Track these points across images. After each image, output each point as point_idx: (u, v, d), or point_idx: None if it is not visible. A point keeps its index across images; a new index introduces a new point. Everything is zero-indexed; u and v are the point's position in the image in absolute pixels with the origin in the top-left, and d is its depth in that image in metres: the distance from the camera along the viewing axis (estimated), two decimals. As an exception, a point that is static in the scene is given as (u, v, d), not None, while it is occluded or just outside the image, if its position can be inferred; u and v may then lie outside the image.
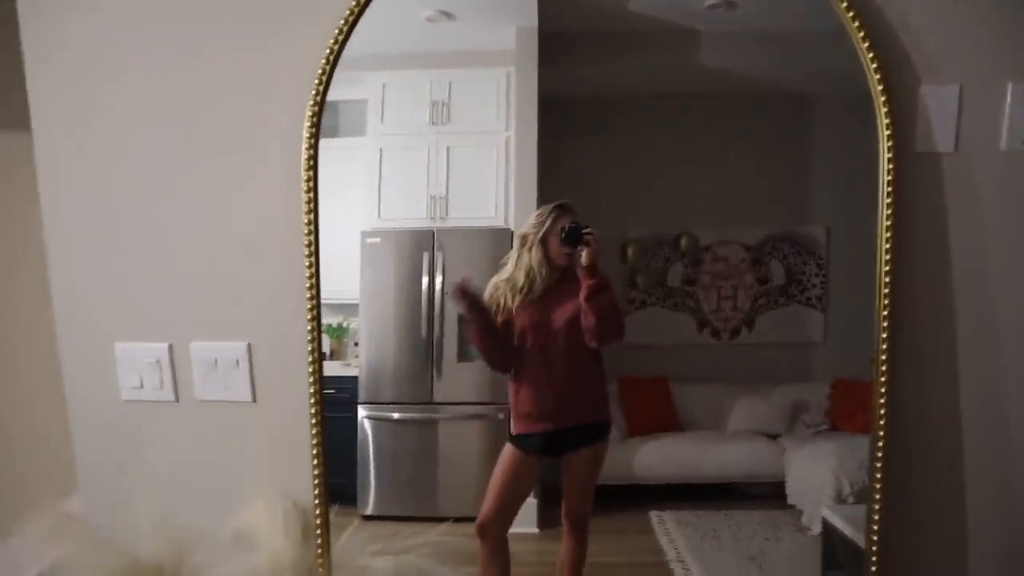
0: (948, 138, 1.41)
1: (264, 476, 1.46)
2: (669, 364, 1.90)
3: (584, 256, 1.56)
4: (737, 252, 1.90)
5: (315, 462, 1.42)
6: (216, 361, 1.53)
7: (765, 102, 1.87)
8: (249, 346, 1.52)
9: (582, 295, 1.57)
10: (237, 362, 1.52)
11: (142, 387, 1.55)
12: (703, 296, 1.90)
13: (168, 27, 1.50)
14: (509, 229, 1.68)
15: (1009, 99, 1.40)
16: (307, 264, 1.42)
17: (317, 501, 1.42)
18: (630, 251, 1.88)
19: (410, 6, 1.69)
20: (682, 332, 1.91)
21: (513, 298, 1.58)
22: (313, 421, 1.43)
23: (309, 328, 1.43)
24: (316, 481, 1.42)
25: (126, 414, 1.57)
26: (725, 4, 1.69)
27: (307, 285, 1.43)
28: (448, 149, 1.77)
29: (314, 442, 1.43)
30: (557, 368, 1.59)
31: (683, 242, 1.89)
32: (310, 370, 1.43)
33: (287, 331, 1.46)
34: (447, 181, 1.76)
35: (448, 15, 1.70)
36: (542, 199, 1.67)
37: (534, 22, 1.72)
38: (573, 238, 1.56)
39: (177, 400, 1.56)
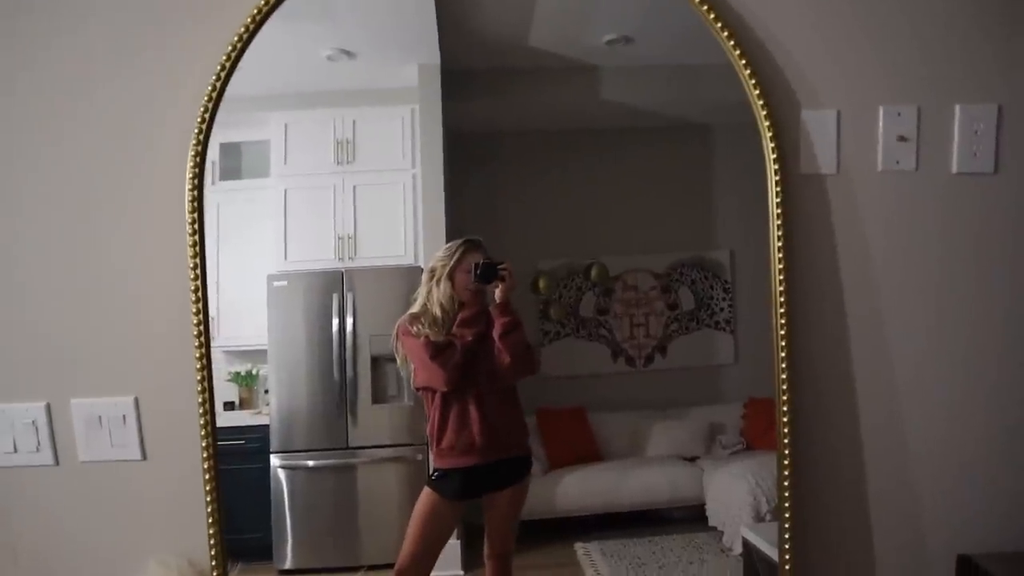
0: (830, 160, 1.49)
1: (158, 537, 1.38)
2: (586, 394, 1.91)
3: (498, 293, 1.55)
4: (647, 280, 1.93)
5: (211, 519, 1.35)
6: (100, 418, 1.45)
7: (667, 132, 1.93)
8: (136, 400, 1.45)
9: (496, 332, 1.56)
10: (124, 418, 1.44)
11: (16, 451, 1.45)
12: (616, 325, 1.93)
13: (50, 65, 1.45)
14: (419, 267, 1.67)
15: (881, 122, 1.49)
16: (194, 311, 1.37)
17: (214, 562, 1.35)
18: (542, 283, 1.89)
19: (309, 45, 1.69)
20: (597, 361, 1.93)
21: (437, 332, 1.55)
22: (207, 476, 1.37)
23: (199, 378, 1.38)
24: (212, 540, 1.36)
25: (-1, 481, 1.48)
26: (623, 40, 1.74)
27: (195, 333, 1.38)
28: (355, 188, 1.75)
29: (209, 498, 1.37)
30: (480, 402, 1.56)
31: (594, 272, 1.91)
32: (202, 422, 1.37)
33: (177, 382, 1.41)
34: (355, 221, 1.74)
35: (348, 54, 1.70)
36: (451, 235, 1.67)
37: (436, 59, 1.73)
38: (488, 275, 1.55)
39: (57, 463, 1.47)
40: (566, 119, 1.92)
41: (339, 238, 1.73)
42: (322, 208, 1.76)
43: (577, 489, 1.86)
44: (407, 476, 1.73)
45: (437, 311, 1.56)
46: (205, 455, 1.38)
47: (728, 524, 1.78)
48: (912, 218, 1.51)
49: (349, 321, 1.70)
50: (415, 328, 1.55)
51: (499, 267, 1.55)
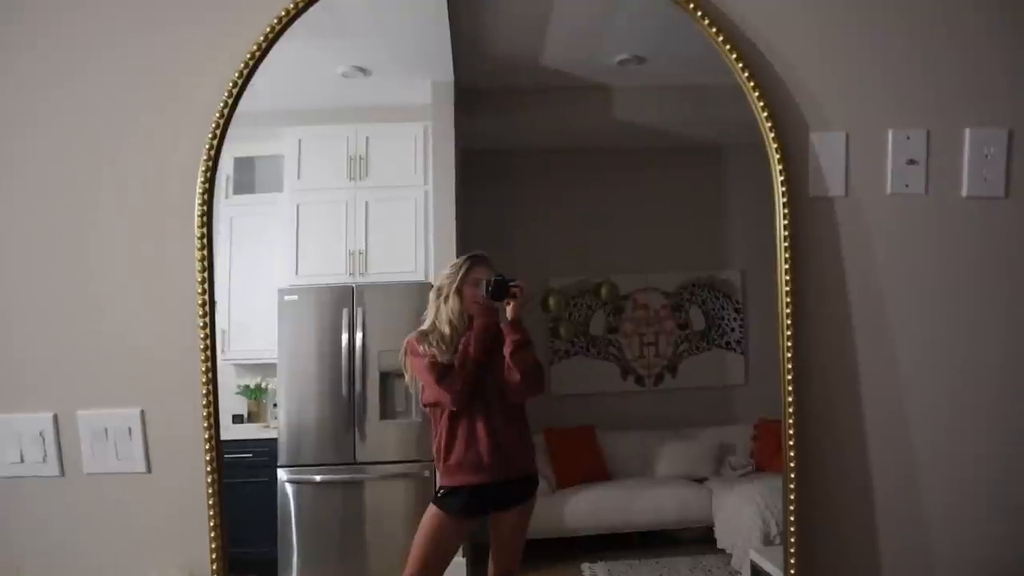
0: (839, 183, 1.49)
1: (161, 550, 1.38)
2: (595, 413, 1.90)
3: (509, 310, 1.54)
4: (657, 299, 1.93)
5: (213, 534, 1.36)
6: (106, 430, 1.45)
7: (679, 152, 1.93)
8: (142, 413, 1.46)
9: (507, 350, 1.55)
10: (129, 430, 1.45)
11: (22, 461, 1.46)
12: (626, 344, 1.92)
13: (61, 82, 1.47)
14: (430, 283, 1.67)
15: (890, 145, 1.49)
16: (201, 325, 1.38)
17: (216, 576, 1.36)
18: (552, 301, 1.89)
19: (324, 62, 1.70)
20: (606, 380, 1.92)
21: (445, 350, 1.55)
22: (210, 490, 1.38)
23: (205, 392, 1.39)
24: (214, 554, 1.37)
25: (3, 492, 1.47)
26: (635, 59, 1.75)
27: (202, 347, 1.39)
28: (367, 204, 1.76)
29: (211, 512, 1.37)
30: (488, 420, 1.56)
31: (604, 291, 1.91)
32: (206, 436, 1.38)
33: (183, 396, 1.41)
34: (366, 236, 1.75)
35: (363, 70, 1.72)
36: (461, 252, 1.67)
37: (450, 77, 1.74)
38: (500, 292, 1.54)
39: (63, 474, 1.47)
40: (578, 138, 1.92)
41: (350, 253, 1.74)
42: (334, 223, 1.77)
43: (585, 509, 1.85)
44: (415, 492, 1.72)
45: (446, 328, 1.56)
46: (209, 469, 1.38)
47: (737, 546, 1.76)
48: (922, 242, 1.51)
49: (359, 336, 1.71)
50: (422, 347, 1.55)
51: (511, 284, 1.54)
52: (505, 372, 1.56)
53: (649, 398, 1.95)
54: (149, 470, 1.47)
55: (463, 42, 1.68)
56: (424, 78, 1.76)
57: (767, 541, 1.67)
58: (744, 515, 1.74)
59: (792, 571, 1.40)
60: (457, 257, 1.64)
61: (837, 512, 1.50)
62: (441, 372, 1.54)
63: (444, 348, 1.54)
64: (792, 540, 1.40)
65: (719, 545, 1.78)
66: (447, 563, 1.58)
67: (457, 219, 1.73)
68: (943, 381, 1.52)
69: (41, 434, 1.46)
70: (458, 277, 1.57)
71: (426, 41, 1.72)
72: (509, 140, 1.89)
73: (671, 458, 1.92)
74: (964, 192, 1.50)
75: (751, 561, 1.68)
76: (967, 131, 1.49)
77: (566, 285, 1.90)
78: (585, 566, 1.79)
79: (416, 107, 1.78)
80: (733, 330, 1.93)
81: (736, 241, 1.96)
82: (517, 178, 1.89)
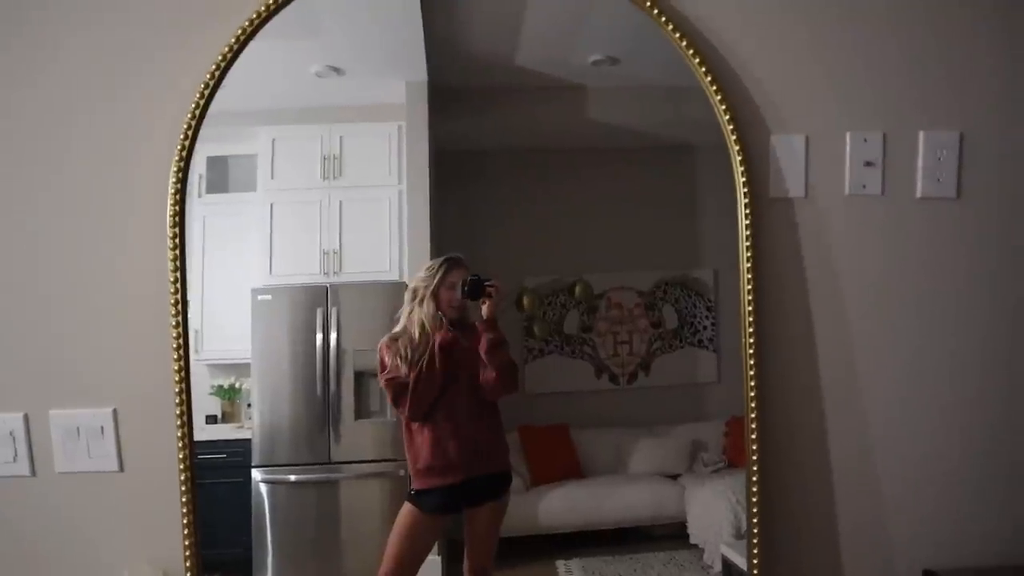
0: (798, 184, 1.52)
1: (134, 550, 1.38)
2: (569, 411, 1.91)
3: (485, 309, 1.56)
4: (631, 298, 1.94)
5: (186, 532, 1.37)
6: (78, 429, 1.45)
7: (652, 152, 1.95)
8: (115, 412, 1.46)
9: (482, 348, 1.56)
10: (102, 429, 1.45)
11: (-7, 462, 1.47)
12: (600, 342, 1.93)
13: (33, 82, 1.46)
14: (404, 283, 1.67)
15: (848, 148, 1.52)
16: (174, 324, 1.39)
17: (189, 574, 1.36)
18: (526, 300, 1.90)
19: (298, 61, 1.70)
20: (580, 379, 1.93)
21: (411, 354, 1.55)
22: (183, 489, 1.38)
23: (177, 391, 1.39)
24: (187, 552, 1.37)
25: (-27, 493, 1.47)
26: (608, 60, 1.76)
27: (174, 346, 1.39)
28: (340, 203, 1.76)
29: (184, 511, 1.38)
30: (458, 419, 1.57)
31: (578, 290, 1.92)
32: (179, 434, 1.39)
33: (156, 395, 1.41)
34: (340, 236, 1.75)
35: (337, 70, 1.71)
36: (436, 252, 1.67)
37: (423, 77, 1.74)
38: (476, 291, 1.55)
39: (34, 474, 1.47)
40: (552, 138, 1.93)
41: (324, 253, 1.74)
42: (308, 223, 1.76)
43: (559, 506, 1.86)
44: (390, 491, 1.72)
45: (416, 331, 1.55)
46: (182, 467, 1.38)
47: (709, 542, 1.78)
48: (878, 241, 1.54)
49: (333, 336, 1.70)
50: (388, 356, 1.56)
51: (487, 284, 1.55)
52: (480, 370, 1.56)
53: (623, 396, 1.96)
54: (122, 469, 1.47)
55: (437, 42, 1.68)
56: (398, 78, 1.76)
57: (738, 536, 1.69)
58: (716, 510, 1.76)
59: (755, 561, 1.42)
60: (431, 256, 1.65)
61: (798, 505, 1.53)
62: (396, 392, 1.55)
63: (411, 352, 1.55)
64: (754, 532, 1.43)
65: (692, 540, 1.80)
66: (422, 560, 1.59)
67: (431, 218, 1.74)
68: (899, 375, 1.56)
69: (11, 434, 1.45)
70: (434, 280, 1.57)
71: (399, 41, 1.72)
72: (483, 140, 1.89)
73: (644, 455, 1.94)
74: (918, 193, 1.54)
75: (722, 555, 1.71)
76: (921, 133, 1.53)
77: (540, 284, 1.91)
78: (560, 563, 1.81)
79: (390, 107, 1.78)
80: (705, 328, 1.95)
81: (709, 240, 1.98)
82: (491, 177, 1.89)
